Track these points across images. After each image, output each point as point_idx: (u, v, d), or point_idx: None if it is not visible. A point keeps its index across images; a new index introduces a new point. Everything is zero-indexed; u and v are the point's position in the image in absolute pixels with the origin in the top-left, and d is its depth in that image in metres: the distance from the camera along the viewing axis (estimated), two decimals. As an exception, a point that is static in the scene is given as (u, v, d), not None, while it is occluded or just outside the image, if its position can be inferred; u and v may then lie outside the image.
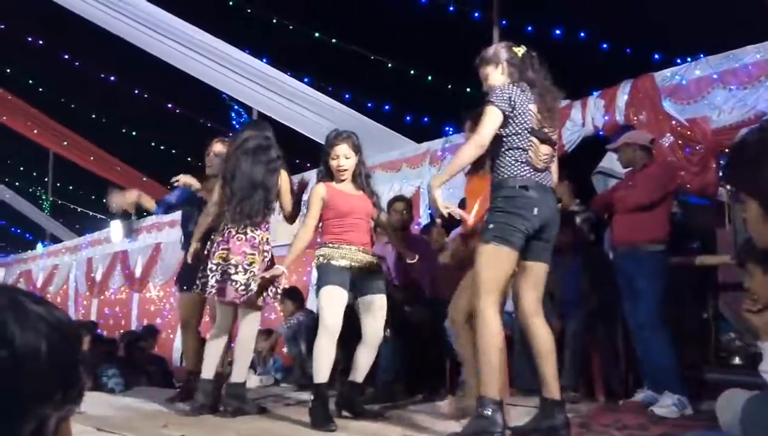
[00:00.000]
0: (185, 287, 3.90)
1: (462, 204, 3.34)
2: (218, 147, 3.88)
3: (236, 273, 3.24)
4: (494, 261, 2.57)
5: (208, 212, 3.49)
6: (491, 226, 2.61)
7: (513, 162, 2.65)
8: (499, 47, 2.80)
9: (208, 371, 3.37)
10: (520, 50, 2.76)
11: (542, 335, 2.68)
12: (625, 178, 3.81)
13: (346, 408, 3.25)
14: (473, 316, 2.74)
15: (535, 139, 2.65)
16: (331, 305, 3.07)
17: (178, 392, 4.12)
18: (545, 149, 2.69)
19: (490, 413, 2.48)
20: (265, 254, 3.36)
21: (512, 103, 2.64)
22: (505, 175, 2.65)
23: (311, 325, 4.55)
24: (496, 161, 2.71)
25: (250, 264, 3.27)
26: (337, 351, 3.18)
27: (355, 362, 3.23)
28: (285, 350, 5.42)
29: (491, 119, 2.62)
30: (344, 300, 3.13)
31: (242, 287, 3.24)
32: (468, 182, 3.30)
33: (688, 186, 3.88)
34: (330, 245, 3.18)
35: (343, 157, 3.22)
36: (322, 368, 3.05)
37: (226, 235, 3.32)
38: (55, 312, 0.66)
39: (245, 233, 3.31)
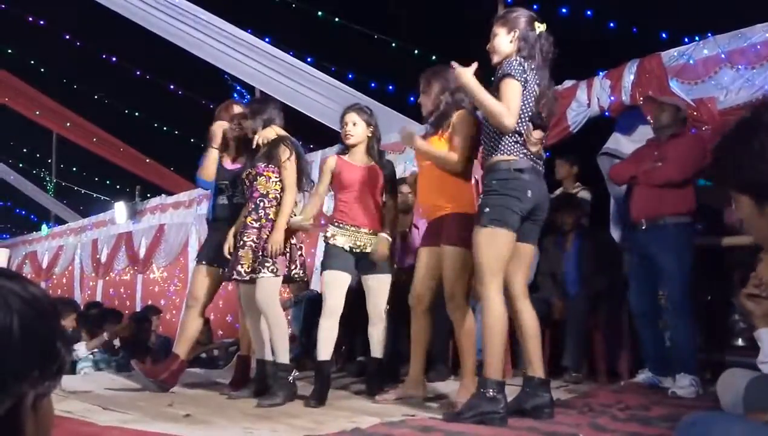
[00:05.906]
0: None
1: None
2: (237, 108, 3.72)
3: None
4: (493, 244, 2.56)
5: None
6: (487, 209, 2.58)
7: (509, 144, 2.61)
8: (521, 15, 2.70)
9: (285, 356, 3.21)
10: (540, 27, 2.67)
11: (530, 317, 2.70)
12: (650, 147, 3.61)
13: (373, 383, 3.35)
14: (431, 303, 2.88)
15: (530, 124, 2.62)
16: (332, 288, 3.19)
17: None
18: (538, 134, 2.67)
19: (493, 393, 2.49)
20: None
21: (525, 80, 2.58)
22: (500, 157, 2.61)
23: (311, 308, 4.59)
24: (490, 142, 2.66)
25: None
26: (340, 332, 3.25)
27: (370, 340, 3.36)
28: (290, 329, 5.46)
29: (516, 92, 2.55)
30: (345, 283, 3.24)
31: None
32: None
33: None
34: (337, 223, 3.27)
35: (351, 123, 3.30)
36: (324, 346, 3.17)
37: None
38: (31, 288, 0.64)
39: None
